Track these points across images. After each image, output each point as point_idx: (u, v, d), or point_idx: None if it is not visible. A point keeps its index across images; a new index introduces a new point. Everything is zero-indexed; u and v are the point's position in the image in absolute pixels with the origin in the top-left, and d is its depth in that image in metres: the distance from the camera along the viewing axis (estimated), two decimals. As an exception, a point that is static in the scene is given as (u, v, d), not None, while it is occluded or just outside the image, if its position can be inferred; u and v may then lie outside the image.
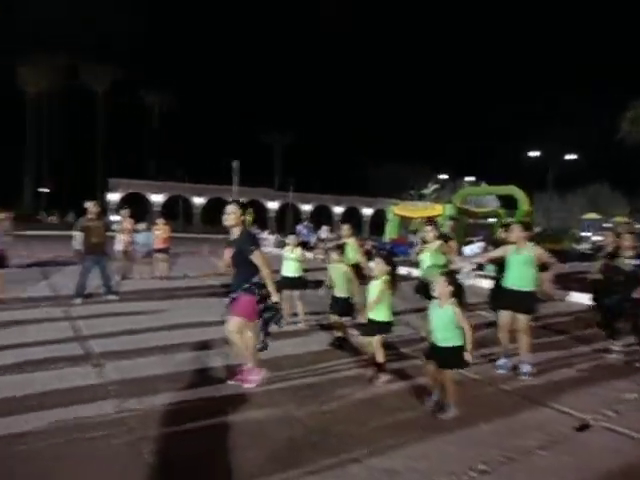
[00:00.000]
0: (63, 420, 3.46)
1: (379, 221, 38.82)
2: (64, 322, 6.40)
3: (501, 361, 5.10)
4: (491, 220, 24.12)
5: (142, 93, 54.27)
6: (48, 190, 51.18)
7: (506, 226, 6.13)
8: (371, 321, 4.60)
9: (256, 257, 4.14)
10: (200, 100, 61.49)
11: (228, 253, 4.36)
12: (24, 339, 5.46)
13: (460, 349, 3.78)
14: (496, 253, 5.41)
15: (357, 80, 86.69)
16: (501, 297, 5.24)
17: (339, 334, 5.76)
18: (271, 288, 4.18)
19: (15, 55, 44.61)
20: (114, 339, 5.62)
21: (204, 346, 5.43)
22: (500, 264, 5.46)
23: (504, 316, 5.08)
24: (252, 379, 4.29)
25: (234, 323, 4.18)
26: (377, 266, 4.67)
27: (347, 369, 4.94)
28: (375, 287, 4.60)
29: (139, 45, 60.93)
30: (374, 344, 4.57)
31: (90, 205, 8.07)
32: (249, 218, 4.94)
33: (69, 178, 50.08)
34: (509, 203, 24.48)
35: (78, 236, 8.11)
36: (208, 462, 3.03)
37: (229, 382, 4.32)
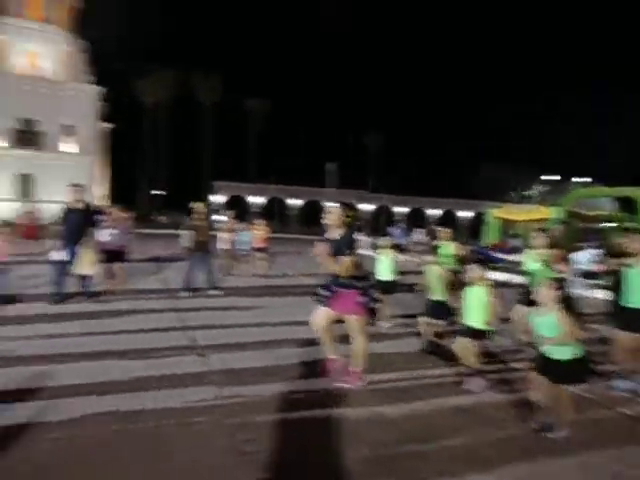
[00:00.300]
0: (166, 403, 3.72)
1: (478, 225, 37.17)
2: (172, 313, 6.91)
3: (618, 382, 4.60)
4: (606, 225, 21.93)
5: (244, 100, 57.33)
6: (160, 192, 55.94)
7: (626, 230, 5.51)
8: (469, 327, 4.41)
9: (342, 259, 4.13)
10: (296, 104, 63.52)
11: (322, 247, 4.36)
12: (137, 327, 5.99)
13: (576, 362, 3.46)
14: (613, 264, 4.88)
15: (454, 79, 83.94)
16: (620, 315, 4.69)
17: (433, 338, 5.58)
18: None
19: (133, 68, 49.54)
20: (216, 331, 5.96)
21: (301, 343, 5.55)
22: (618, 276, 4.91)
23: (622, 336, 4.56)
24: (354, 383, 4.28)
25: (356, 323, 4.22)
26: (472, 271, 4.46)
27: (440, 375, 4.77)
28: (476, 293, 4.38)
29: (241, 54, 64.60)
30: (469, 350, 4.37)
31: (198, 206, 8.66)
32: (349, 219, 5.01)
33: (178, 181, 54.43)
34: (629, 207, 22.08)
35: (186, 234, 8.74)
36: (304, 455, 3.07)
37: (326, 378, 4.37)
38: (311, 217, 45.42)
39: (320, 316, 4.33)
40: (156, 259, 13.49)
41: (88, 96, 38.66)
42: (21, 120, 36.33)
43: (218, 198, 48.39)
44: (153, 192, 55.58)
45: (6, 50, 36.38)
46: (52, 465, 2.80)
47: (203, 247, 8.48)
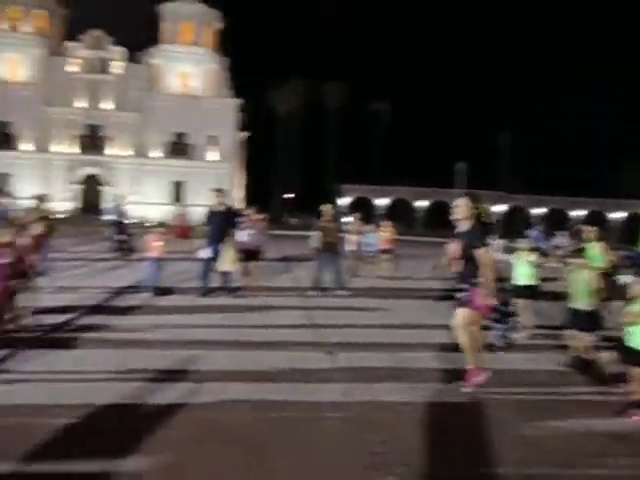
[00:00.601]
0: (295, 396, 3.86)
1: (634, 227, 32.75)
2: (302, 311, 7.21)
3: None
4: None
5: (369, 104, 57.83)
6: (291, 196, 58.92)
7: None
8: (631, 349, 3.86)
9: (481, 254, 3.95)
10: (422, 104, 62.02)
11: (454, 247, 4.22)
12: (269, 322, 6.36)
13: None
14: None
15: (585, 68, 74.99)
16: None
17: (578, 353, 5.01)
18: (487, 290, 3.97)
19: (268, 80, 53.07)
20: (343, 330, 6.06)
21: (428, 347, 5.41)
22: None
23: None
24: (472, 381, 4.09)
25: (462, 316, 4.05)
26: (634, 288, 3.91)
27: (586, 394, 4.27)
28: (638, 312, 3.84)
29: (367, 57, 65.61)
30: (634, 376, 3.83)
31: (326, 208, 8.94)
32: (477, 210, 4.79)
33: (308, 185, 56.80)
34: None
35: (315, 236, 9.06)
36: (437, 462, 2.95)
37: (459, 386, 4.20)
38: (438, 218, 44.05)
39: (460, 320, 4.15)
40: (287, 259, 14.19)
41: (229, 109, 42.29)
42: (174, 133, 41.11)
43: (345, 200, 49.37)
44: (285, 195, 58.72)
45: (162, 72, 41.44)
46: (190, 444, 3.01)
47: (331, 248, 8.72)
